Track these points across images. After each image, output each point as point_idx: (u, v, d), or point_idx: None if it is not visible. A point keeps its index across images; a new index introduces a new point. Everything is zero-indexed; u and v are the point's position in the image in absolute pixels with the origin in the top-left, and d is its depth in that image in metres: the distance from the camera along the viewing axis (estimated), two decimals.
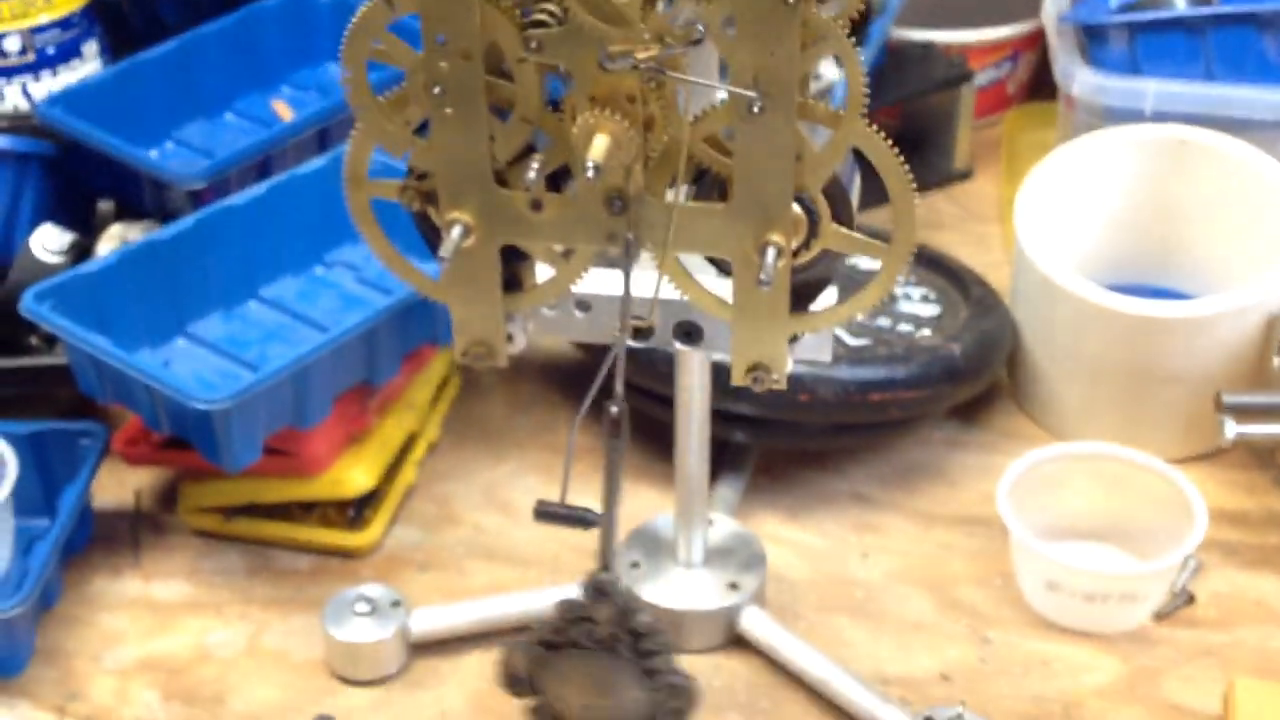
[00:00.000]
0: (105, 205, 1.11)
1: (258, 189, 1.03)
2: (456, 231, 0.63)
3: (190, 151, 1.18)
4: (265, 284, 1.05)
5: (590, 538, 0.99)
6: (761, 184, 0.60)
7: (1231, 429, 0.91)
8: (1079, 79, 1.10)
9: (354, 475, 0.97)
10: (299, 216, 1.05)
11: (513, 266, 0.68)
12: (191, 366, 0.98)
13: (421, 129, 0.64)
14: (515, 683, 0.75)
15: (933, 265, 1.11)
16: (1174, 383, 1.00)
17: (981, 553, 0.99)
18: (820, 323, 0.66)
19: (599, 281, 0.73)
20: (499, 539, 1.01)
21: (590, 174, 0.58)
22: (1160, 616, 0.94)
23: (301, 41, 1.27)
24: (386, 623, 0.90)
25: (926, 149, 1.30)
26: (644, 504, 1.02)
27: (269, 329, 1.02)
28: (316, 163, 1.06)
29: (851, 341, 0.99)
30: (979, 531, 1.00)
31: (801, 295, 0.66)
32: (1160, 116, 1.07)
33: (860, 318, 1.03)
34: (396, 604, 0.91)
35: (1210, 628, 0.93)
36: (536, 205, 0.63)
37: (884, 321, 1.03)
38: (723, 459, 1.01)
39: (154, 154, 1.15)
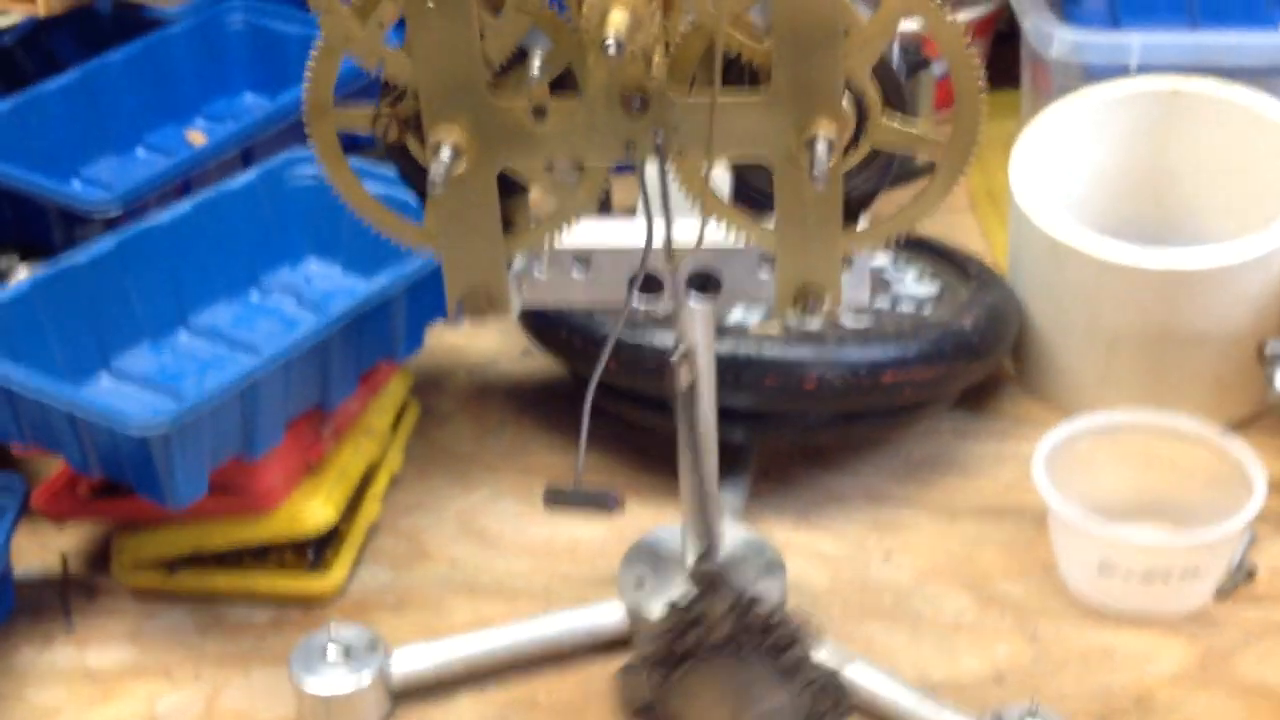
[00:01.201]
0: (5, 259, 1.00)
1: (182, 206, 0.93)
2: (446, 152, 0.53)
3: (100, 189, 1.08)
4: (196, 311, 0.94)
5: (588, 565, 0.90)
6: (804, 64, 0.51)
7: None
8: (1058, 38, 1.03)
9: (312, 509, 0.86)
10: (229, 236, 0.95)
11: (504, 205, 0.58)
12: (119, 404, 0.87)
13: (397, 36, 0.54)
14: (645, 712, 0.63)
15: (921, 248, 1.03)
16: (1200, 343, 0.92)
17: (1014, 543, 0.90)
18: (879, 235, 0.57)
19: (598, 234, 0.63)
20: (479, 572, 0.90)
21: (612, 50, 0.48)
22: (1221, 595, 0.85)
23: (214, 69, 1.18)
24: (364, 668, 0.79)
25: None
26: (635, 521, 0.92)
27: (203, 360, 0.91)
28: (246, 177, 0.96)
29: (852, 323, 0.90)
30: (1008, 522, 0.91)
31: (848, 211, 0.57)
32: (1145, 71, 1.01)
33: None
34: (374, 646, 0.80)
35: (1277, 601, 0.85)
36: (539, 112, 0.53)
37: (883, 303, 0.94)
38: (720, 463, 0.91)
39: None
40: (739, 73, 0.54)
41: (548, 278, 0.63)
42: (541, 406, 1.03)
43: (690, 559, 0.82)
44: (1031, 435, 0.90)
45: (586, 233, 0.63)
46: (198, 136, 1.15)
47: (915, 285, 0.97)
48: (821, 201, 0.55)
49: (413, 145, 0.56)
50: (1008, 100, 1.23)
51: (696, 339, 0.68)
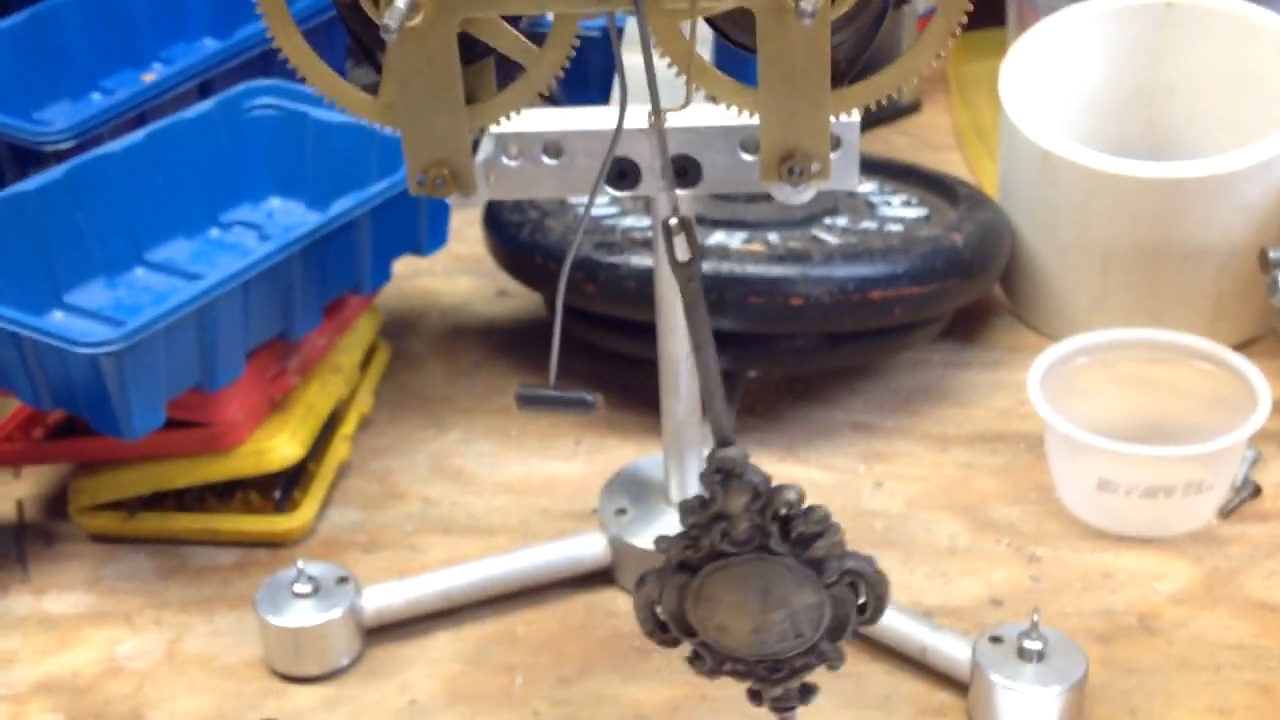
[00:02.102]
0: None
1: (136, 136, 0.89)
2: (402, 1, 0.49)
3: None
4: (152, 247, 0.90)
5: (567, 500, 0.86)
6: None
7: None
8: None
9: (278, 445, 0.82)
10: (186, 169, 0.91)
11: (467, 76, 0.54)
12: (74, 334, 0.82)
13: None
14: (663, 629, 0.58)
15: (908, 173, 1.00)
16: (1198, 258, 0.89)
17: (1009, 468, 0.86)
18: (869, 93, 0.53)
19: (569, 118, 0.60)
20: (453, 510, 0.86)
21: None
22: (1225, 513, 0.82)
23: (172, 11, 1.14)
24: (334, 603, 0.75)
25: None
26: (617, 456, 0.88)
27: (161, 294, 0.87)
28: (203, 106, 0.92)
29: (837, 241, 0.87)
30: (1002, 448, 0.88)
31: (835, 74, 0.53)
32: None
33: (842, 222, 0.90)
34: (344, 581, 0.76)
35: None
36: None
37: (869, 224, 0.91)
38: None
39: None
40: None
41: (519, 166, 0.59)
42: (517, 348, 0.99)
43: (674, 488, 0.79)
44: (1024, 364, 0.87)
45: (557, 118, 0.59)
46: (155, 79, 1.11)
47: (902, 208, 0.94)
48: (808, 55, 0.51)
49: (366, 4, 0.53)
50: (993, 38, 1.20)
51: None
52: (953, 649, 0.71)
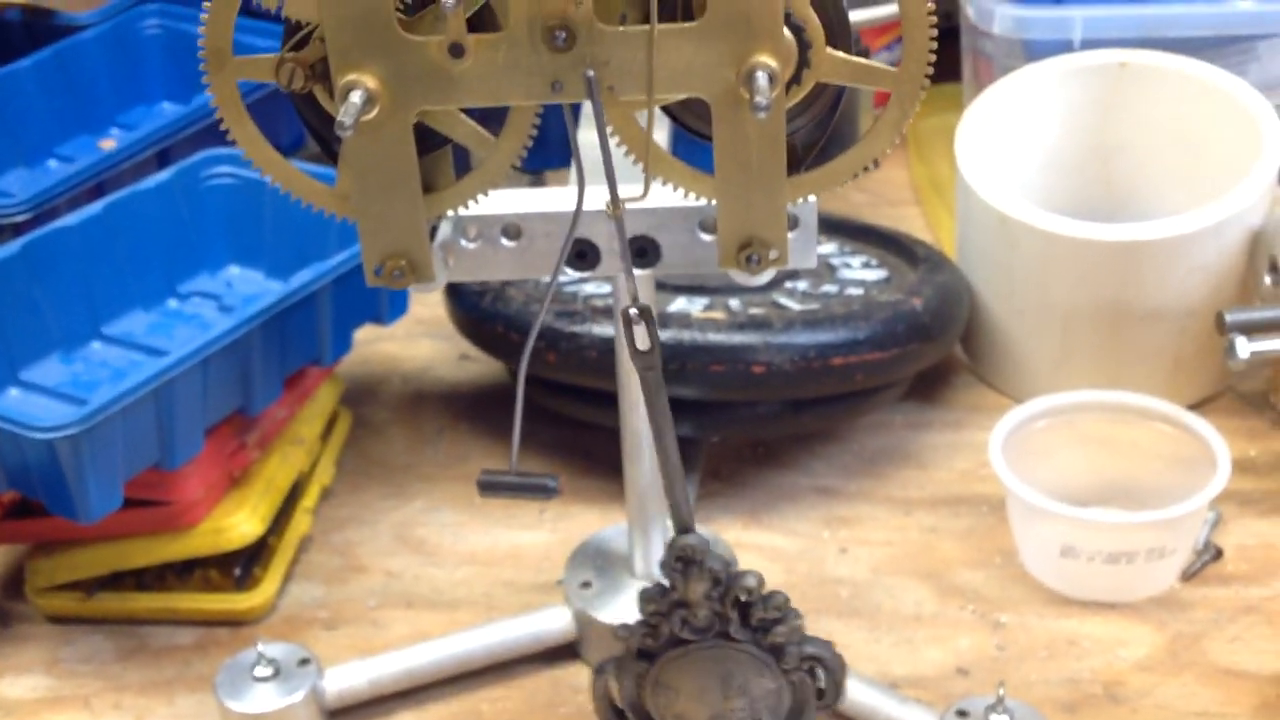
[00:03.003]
0: None
1: (94, 208, 0.88)
2: (357, 95, 0.49)
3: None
4: (110, 319, 0.89)
5: (531, 571, 0.86)
6: None
7: (1244, 347, 0.80)
8: (999, 14, 1.01)
9: (238, 523, 0.81)
10: (144, 239, 0.90)
11: (424, 165, 0.54)
12: (28, 414, 0.82)
13: None
14: (619, 716, 0.58)
15: (867, 234, 1.00)
16: (1156, 319, 0.89)
17: (972, 532, 0.86)
18: (825, 181, 0.53)
19: (528, 200, 0.60)
20: (416, 583, 0.85)
21: None
22: (1187, 577, 0.82)
23: (129, 77, 1.14)
24: (295, 686, 0.74)
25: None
26: (582, 524, 0.88)
27: (118, 368, 0.86)
28: (161, 176, 0.92)
29: (798, 307, 0.87)
30: (964, 511, 0.88)
31: (792, 160, 0.53)
32: (1089, 46, 0.98)
33: (803, 286, 0.91)
34: (305, 662, 0.75)
35: (1246, 582, 0.82)
36: (457, 50, 0.49)
37: (830, 288, 0.91)
38: None
39: None
40: (671, 5, 0.51)
41: (478, 249, 0.59)
42: (479, 413, 0.98)
43: (638, 559, 0.78)
44: (986, 424, 0.87)
45: (516, 199, 0.59)
46: (112, 146, 1.11)
47: (862, 270, 0.94)
48: (764, 145, 0.51)
49: (321, 95, 0.52)
50: (949, 94, 1.21)
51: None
52: None
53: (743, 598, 0.55)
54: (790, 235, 0.57)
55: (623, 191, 0.52)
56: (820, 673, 0.57)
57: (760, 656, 0.55)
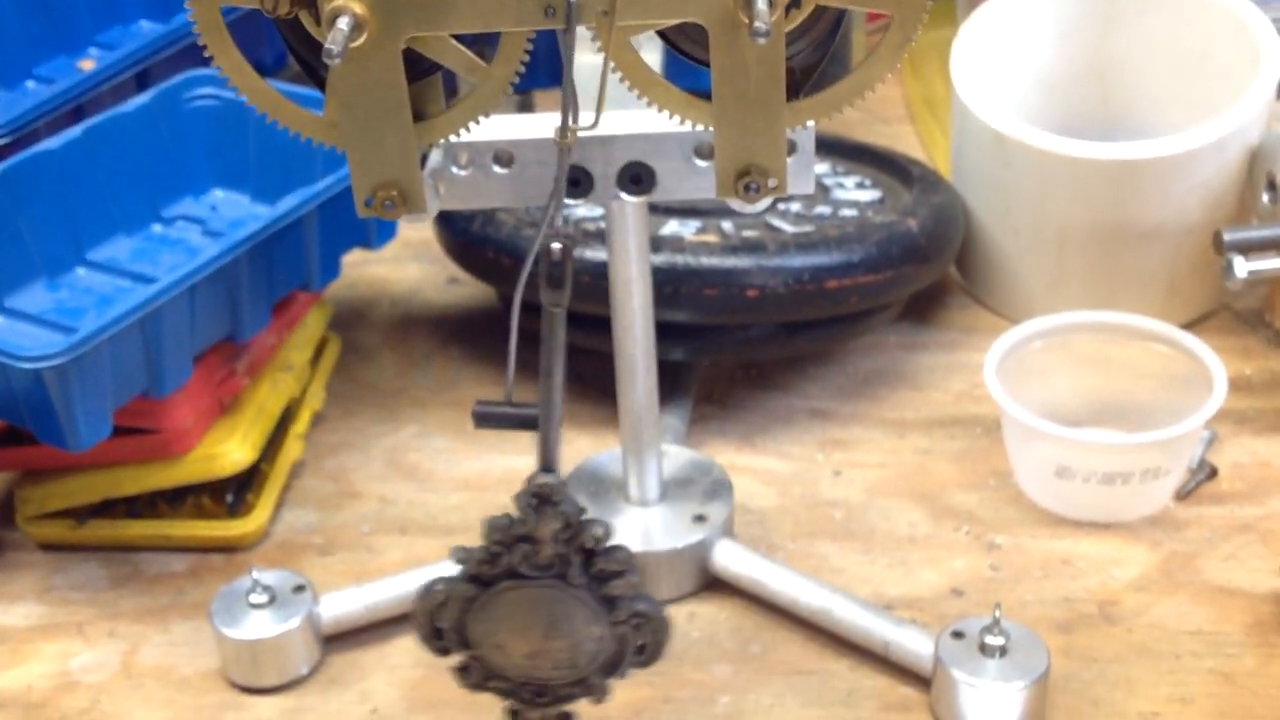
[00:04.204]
0: None
1: (72, 131, 0.87)
2: (345, 21, 0.48)
3: None
4: (93, 246, 0.88)
5: None
6: None
7: (1242, 267, 0.80)
8: None
9: (229, 450, 0.81)
10: (126, 164, 0.89)
11: (413, 92, 0.53)
12: (14, 342, 0.81)
13: None
14: (437, 636, 0.59)
15: (861, 153, 0.99)
16: (1153, 238, 0.89)
17: (967, 454, 0.86)
18: (825, 106, 0.52)
19: (521, 126, 0.58)
20: (410, 509, 0.85)
21: None
22: (1182, 496, 0.82)
23: None
24: (291, 613, 0.74)
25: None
26: (574, 449, 0.87)
27: (104, 295, 0.85)
28: (142, 99, 0.90)
29: (792, 230, 0.86)
30: (959, 432, 0.88)
31: (790, 85, 0.52)
32: None
33: (796, 207, 0.90)
34: (300, 589, 0.75)
35: (1240, 501, 0.82)
36: None
37: (824, 209, 0.90)
38: (661, 385, 0.87)
39: None
40: None
41: (467, 175, 0.58)
42: (470, 336, 0.98)
43: (632, 485, 0.78)
44: (981, 345, 0.87)
45: (507, 125, 0.58)
46: (91, 67, 1.08)
47: (856, 191, 0.93)
48: (763, 69, 0.50)
49: (307, 21, 0.51)
50: (942, 8, 1.19)
51: (630, 243, 0.63)
52: (915, 645, 0.71)
53: (589, 545, 0.56)
54: (788, 160, 0.56)
55: (618, 119, 0.51)
56: (645, 629, 0.57)
57: (592, 605, 0.56)
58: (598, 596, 0.57)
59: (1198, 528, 0.80)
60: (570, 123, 0.49)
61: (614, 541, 0.57)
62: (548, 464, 0.55)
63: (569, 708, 0.61)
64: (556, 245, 0.50)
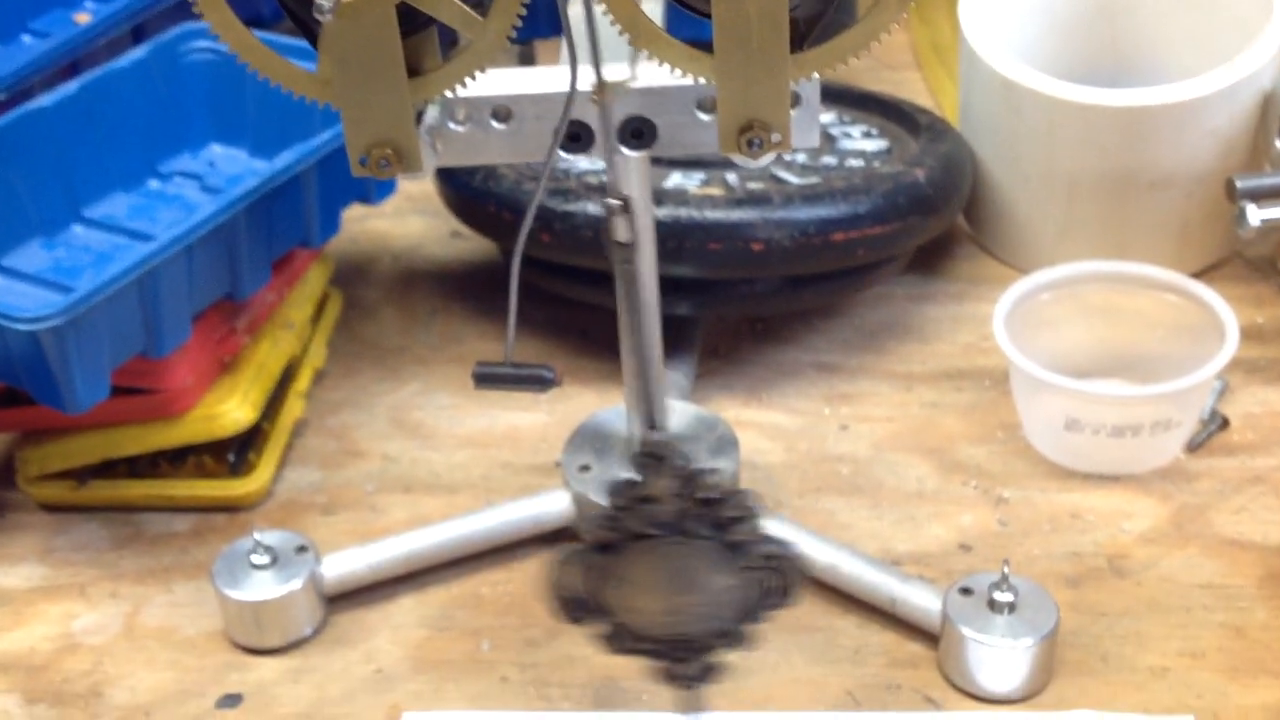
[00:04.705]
0: None
1: (67, 87, 0.85)
2: None
3: None
4: (90, 203, 0.87)
5: (529, 453, 0.85)
6: None
7: (1255, 214, 0.78)
8: None
9: (230, 409, 0.80)
10: (122, 119, 0.88)
11: (408, 47, 0.51)
12: (11, 302, 0.80)
13: None
14: (574, 606, 0.58)
15: (867, 102, 0.97)
16: (1164, 186, 0.87)
17: (975, 407, 0.85)
18: (830, 58, 0.51)
19: (518, 81, 0.57)
20: (414, 467, 0.84)
21: None
22: (1193, 448, 0.81)
23: None
24: (293, 573, 0.73)
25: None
26: (579, 405, 0.86)
27: (101, 253, 0.84)
28: (138, 53, 0.89)
29: (797, 181, 0.85)
30: (966, 385, 0.87)
31: (794, 36, 0.51)
32: None
33: (802, 158, 0.88)
34: (302, 549, 0.74)
35: (1252, 452, 0.81)
36: None
37: (830, 159, 0.88)
38: (666, 340, 0.86)
39: None
40: None
41: (464, 131, 0.57)
42: (472, 292, 0.97)
43: (636, 440, 0.77)
44: (989, 296, 0.86)
45: (505, 80, 0.56)
46: (87, 20, 1.07)
47: (863, 140, 0.92)
48: (766, 20, 0.49)
49: None
50: None
51: (633, 196, 0.62)
52: (923, 601, 0.71)
53: (708, 495, 0.55)
54: (792, 114, 0.54)
55: (611, 72, 0.50)
56: (778, 572, 0.56)
57: (721, 553, 0.55)
58: (724, 544, 0.56)
59: (1209, 479, 0.80)
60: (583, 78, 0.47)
61: (733, 490, 0.56)
62: (654, 422, 0.53)
63: (717, 659, 0.59)
64: (614, 200, 0.49)
